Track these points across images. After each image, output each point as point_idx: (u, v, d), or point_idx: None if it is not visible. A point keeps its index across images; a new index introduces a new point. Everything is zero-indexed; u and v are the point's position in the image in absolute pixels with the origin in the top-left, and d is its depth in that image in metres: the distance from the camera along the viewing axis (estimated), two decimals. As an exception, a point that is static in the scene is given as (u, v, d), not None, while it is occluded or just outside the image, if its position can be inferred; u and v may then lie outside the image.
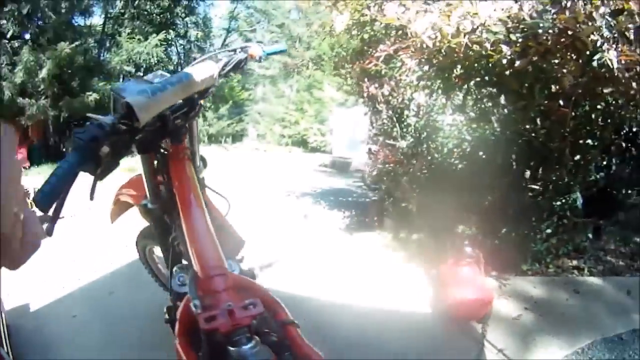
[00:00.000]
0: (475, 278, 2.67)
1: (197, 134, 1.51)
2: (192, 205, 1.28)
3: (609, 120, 3.03)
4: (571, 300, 2.85)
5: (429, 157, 3.74)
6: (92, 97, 11.77)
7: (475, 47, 2.38)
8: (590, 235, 3.59)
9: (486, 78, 2.96)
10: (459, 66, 2.99)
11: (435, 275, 2.96)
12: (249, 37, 23.19)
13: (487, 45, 2.32)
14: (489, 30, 2.27)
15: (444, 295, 2.65)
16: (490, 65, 2.68)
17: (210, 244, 1.17)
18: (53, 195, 0.92)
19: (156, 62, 13.74)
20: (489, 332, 2.41)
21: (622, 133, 3.42)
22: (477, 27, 2.26)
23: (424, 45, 2.53)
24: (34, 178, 7.78)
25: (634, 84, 2.22)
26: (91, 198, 1.14)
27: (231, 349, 0.91)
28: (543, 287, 3.04)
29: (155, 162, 1.42)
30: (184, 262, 1.45)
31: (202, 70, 1.33)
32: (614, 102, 2.85)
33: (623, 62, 2.03)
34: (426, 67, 3.22)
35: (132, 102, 1.06)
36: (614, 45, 2.05)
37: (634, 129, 3.52)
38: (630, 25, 1.96)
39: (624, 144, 3.45)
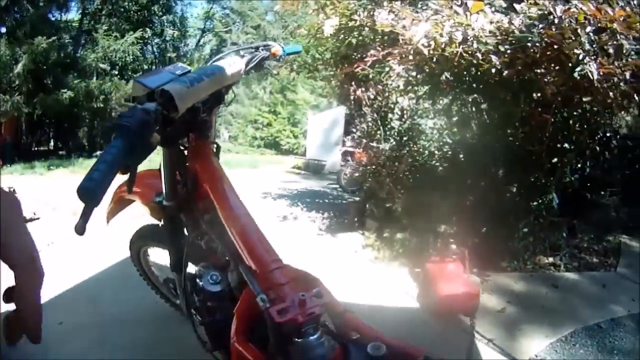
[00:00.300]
0: (462, 274, 2.83)
1: (214, 130, 1.46)
2: (232, 201, 1.24)
3: (585, 126, 3.25)
4: (550, 294, 3.03)
5: (410, 160, 3.88)
6: (66, 94, 11.48)
7: (467, 56, 2.53)
8: (565, 234, 3.79)
9: (474, 85, 3.12)
10: (448, 73, 3.15)
11: (421, 272, 3.10)
12: (224, 37, 23.12)
13: (479, 55, 2.47)
14: (480, 41, 2.42)
15: (433, 290, 2.77)
16: (479, 73, 2.85)
17: (261, 238, 1.14)
18: (103, 184, 0.81)
19: (132, 60, 13.55)
20: (477, 324, 2.56)
21: (596, 138, 3.64)
22: (470, 38, 2.41)
23: (416, 52, 2.67)
24: (6, 177, 7.57)
25: (610, 94, 2.41)
26: (129, 190, 1.07)
27: (298, 340, 0.89)
28: (523, 283, 3.22)
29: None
30: (185, 264, 1.44)
31: (231, 65, 1.30)
32: (590, 109, 3.05)
33: (602, 73, 2.21)
34: (414, 73, 3.35)
35: (172, 91, 1.01)
36: (594, 58, 2.23)
37: (608, 134, 3.75)
38: (611, 42, 2.13)
39: (597, 148, 3.67)
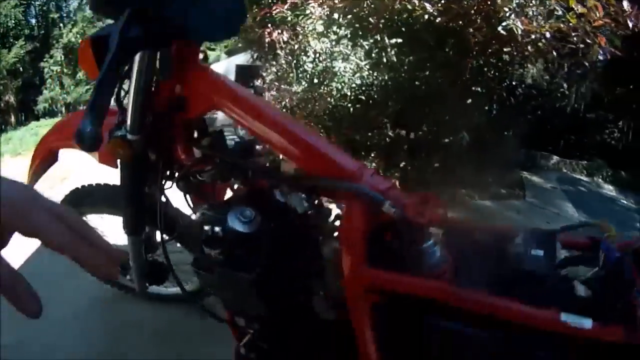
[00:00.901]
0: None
1: None
2: (265, 107, 1.05)
3: (496, 74, 3.57)
4: (472, 219, 3.28)
5: (322, 102, 3.91)
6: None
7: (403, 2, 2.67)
8: (474, 168, 4.19)
9: (402, 29, 3.26)
10: (375, 17, 3.23)
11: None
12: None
13: (415, 1, 2.61)
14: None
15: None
16: (410, 19, 2.99)
17: (323, 140, 0.99)
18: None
19: (13, 25, 12.23)
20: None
21: (504, 85, 4.02)
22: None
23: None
24: None
25: (529, 47, 2.72)
26: None
27: (423, 246, 0.81)
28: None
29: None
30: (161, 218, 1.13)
31: None
32: (503, 59, 3.35)
33: (524, 30, 2.48)
34: (335, 15, 3.39)
35: None
36: (519, 16, 2.49)
37: (514, 83, 4.15)
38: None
39: (505, 94, 4.05)
